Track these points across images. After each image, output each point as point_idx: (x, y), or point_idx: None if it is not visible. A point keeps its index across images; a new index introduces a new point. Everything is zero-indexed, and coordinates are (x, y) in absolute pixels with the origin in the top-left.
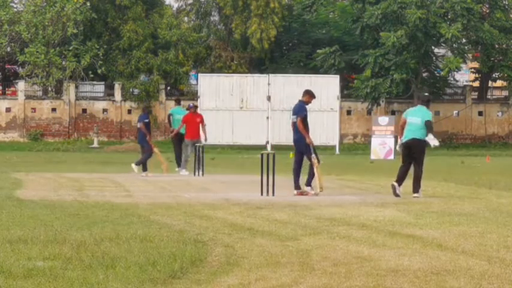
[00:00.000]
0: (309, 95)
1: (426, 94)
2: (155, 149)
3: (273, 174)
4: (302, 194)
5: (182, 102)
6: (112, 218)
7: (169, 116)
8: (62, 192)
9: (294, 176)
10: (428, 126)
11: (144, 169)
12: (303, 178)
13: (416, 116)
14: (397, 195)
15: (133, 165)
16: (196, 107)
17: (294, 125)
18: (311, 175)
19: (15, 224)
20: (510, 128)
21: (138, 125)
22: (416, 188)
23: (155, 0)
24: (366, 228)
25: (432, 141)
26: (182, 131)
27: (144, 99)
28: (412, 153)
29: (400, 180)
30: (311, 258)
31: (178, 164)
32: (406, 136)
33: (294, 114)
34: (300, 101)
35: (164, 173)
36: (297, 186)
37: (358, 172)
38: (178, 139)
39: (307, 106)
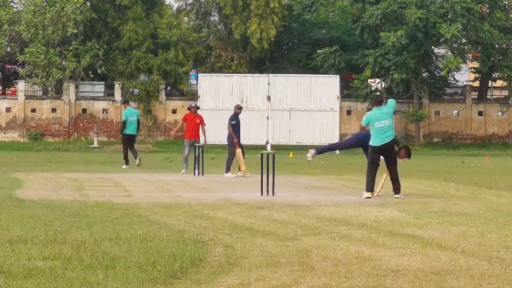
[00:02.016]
0: None
1: (378, 94)
2: (238, 150)
3: (273, 174)
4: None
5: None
6: (112, 218)
7: (124, 122)
8: (62, 192)
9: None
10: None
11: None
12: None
13: (382, 120)
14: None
15: (225, 174)
16: (197, 108)
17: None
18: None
19: (15, 224)
20: (510, 128)
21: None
22: (398, 189)
23: (155, 0)
24: (366, 228)
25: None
26: (133, 131)
27: (144, 99)
28: (385, 157)
29: (372, 188)
30: (311, 258)
31: (126, 163)
32: (378, 141)
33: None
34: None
35: (242, 175)
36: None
37: (358, 172)
38: (127, 139)
39: None
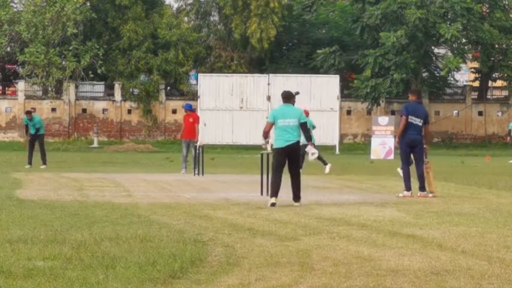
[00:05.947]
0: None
1: (286, 90)
2: None
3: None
4: (426, 196)
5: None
6: (112, 218)
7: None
8: (62, 192)
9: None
10: (307, 130)
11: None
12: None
13: (289, 118)
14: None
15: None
16: (190, 108)
17: (419, 127)
18: (423, 177)
19: (15, 224)
20: None
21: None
22: (298, 196)
23: (155, 0)
24: (366, 228)
25: (312, 152)
26: (33, 132)
27: (144, 99)
28: (289, 160)
29: (277, 193)
30: (311, 258)
31: (29, 163)
32: (281, 142)
33: (419, 117)
34: (416, 102)
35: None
36: (423, 188)
37: (358, 172)
38: (32, 141)
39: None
